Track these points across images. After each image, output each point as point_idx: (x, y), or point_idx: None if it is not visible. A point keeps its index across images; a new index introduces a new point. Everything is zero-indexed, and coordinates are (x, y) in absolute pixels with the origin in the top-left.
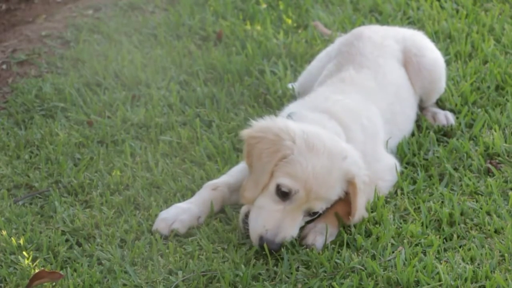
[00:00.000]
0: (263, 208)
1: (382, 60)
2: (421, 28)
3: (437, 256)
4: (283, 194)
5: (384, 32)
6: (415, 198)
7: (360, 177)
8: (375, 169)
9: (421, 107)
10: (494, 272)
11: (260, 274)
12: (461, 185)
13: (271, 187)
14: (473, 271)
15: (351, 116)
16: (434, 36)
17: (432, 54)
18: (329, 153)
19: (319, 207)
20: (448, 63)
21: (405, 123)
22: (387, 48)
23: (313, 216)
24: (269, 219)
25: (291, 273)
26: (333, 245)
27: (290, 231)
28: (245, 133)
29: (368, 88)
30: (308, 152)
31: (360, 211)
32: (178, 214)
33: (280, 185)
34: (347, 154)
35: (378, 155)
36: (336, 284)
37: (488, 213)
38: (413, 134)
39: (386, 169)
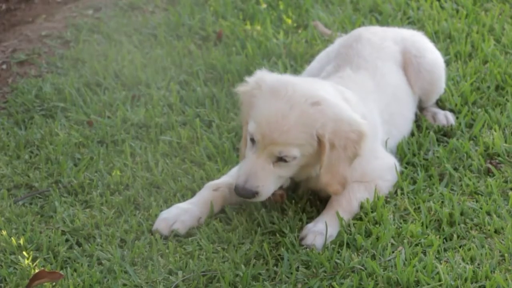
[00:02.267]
0: (244, 157)
1: (380, 62)
2: (421, 28)
3: (437, 256)
4: (252, 141)
5: (383, 34)
6: (415, 198)
7: (333, 128)
8: (375, 167)
9: (421, 107)
10: (494, 272)
11: (260, 274)
12: (461, 185)
13: (248, 136)
14: (473, 271)
15: (353, 97)
16: (434, 36)
17: (432, 55)
18: (291, 97)
19: (278, 151)
20: (448, 63)
21: (403, 124)
22: (386, 50)
23: (287, 162)
24: (241, 167)
25: (291, 273)
26: (333, 245)
27: (261, 178)
28: (238, 89)
29: (366, 87)
30: (268, 97)
31: (329, 173)
32: (179, 214)
33: (248, 131)
34: (320, 101)
35: (377, 153)
36: (336, 284)
37: (488, 213)
38: (413, 134)
39: (386, 168)
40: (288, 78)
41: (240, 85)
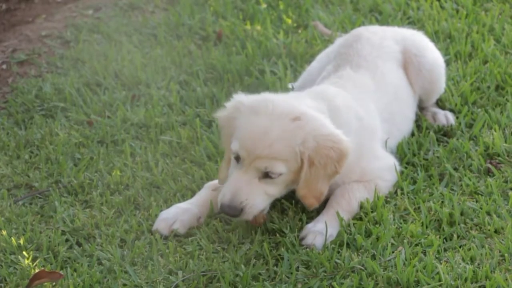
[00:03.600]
0: (229, 176)
1: (380, 61)
2: (421, 28)
3: (437, 256)
4: (236, 159)
5: (383, 33)
6: (415, 198)
7: (313, 145)
8: (374, 167)
9: (421, 107)
10: (494, 272)
11: (260, 274)
12: (461, 185)
13: (232, 156)
14: (473, 271)
15: (344, 101)
16: (434, 36)
17: (432, 54)
18: (271, 113)
19: (264, 166)
20: (448, 63)
21: (404, 123)
22: (386, 49)
23: (273, 178)
24: (226, 186)
25: (291, 273)
26: (333, 245)
27: (248, 194)
28: (217, 115)
29: (365, 86)
30: (249, 115)
31: (306, 188)
32: (179, 214)
33: (232, 151)
34: (301, 116)
35: (377, 152)
36: (336, 284)
37: (488, 213)
38: (413, 134)
39: (385, 168)
40: (266, 96)
41: (218, 111)
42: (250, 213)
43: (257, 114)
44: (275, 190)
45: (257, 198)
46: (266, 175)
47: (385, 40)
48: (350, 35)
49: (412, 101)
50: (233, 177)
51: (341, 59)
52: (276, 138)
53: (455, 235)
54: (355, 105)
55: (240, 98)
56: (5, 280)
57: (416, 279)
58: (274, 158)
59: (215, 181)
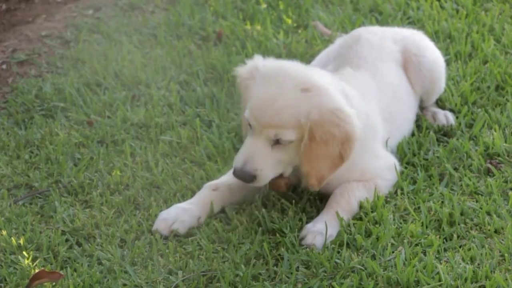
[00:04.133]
0: (244, 143)
1: (380, 62)
2: (421, 28)
3: (437, 256)
4: (250, 126)
5: (383, 34)
6: (415, 198)
7: (316, 118)
8: (374, 166)
9: (421, 107)
10: (494, 272)
11: (260, 274)
12: (461, 185)
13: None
14: (473, 271)
15: (355, 93)
16: (434, 36)
17: (432, 54)
18: (282, 82)
19: (273, 134)
20: (448, 63)
21: (404, 124)
22: (386, 50)
23: (284, 145)
24: (240, 152)
25: (291, 273)
26: (333, 245)
27: (260, 161)
28: (237, 72)
29: (367, 85)
30: (261, 83)
31: (307, 164)
32: (179, 214)
33: (245, 117)
34: (311, 88)
35: (378, 151)
36: (336, 284)
37: (488, 213)
38: (413, 134)
39: (386, 168)
40: (282, 64)
41: (238, 68)
42: (262, 180)
43: (268, 83)
44: (287, 157)
45: (268, 165)
46: (277, 142)
47: (385, 41)
48: (350, 36)
49: (413, 102)
50: (246, 143)
51: (341, 60)
52: (283, 107)
53: (455, 235)
54: (362, 102)
55: (256, 63)
56: (5, 280)
57: (416, 279)
58: (281, 126)
59: (215, 181)
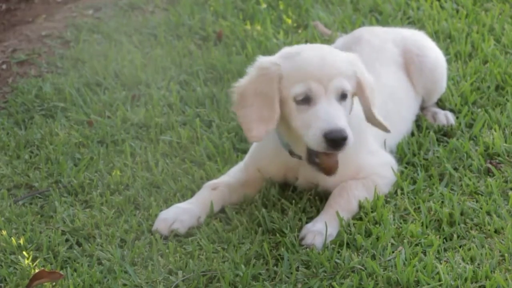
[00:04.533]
0: (304, 121)
1: (378, 64)
2: (421, 28)
3: (437, 256)
4: (306, 101)
5: (384, 36)
6: (415, 198)
7: (363, 72)
8: (369, 163)
9: (422, 107)
10: (494, 272)
11: (260, 274)
12: (461, 185)
13: (291, 107)
14: (473, 271)
15: None
16: (434, 36)
17: (434, 54)
18: (317, 47)
19: (340, 85)
20: (448, 63)
21: (401, 123)
22: (386, 53)
23: (347, 100)
24: (316, 120)
25: (291, 273)
26: (333, 245)
27: (341, 117)
28: (235, 87)
29: None
30: (293, 58)
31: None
32: (178, 214)
33: (295, 97)
34: (351, 56)
35: (371, 147)
36: (336, 284)
37: (488, 213)
38: (413, 134)
39: (382, 164)
40: (295, 47)
41: (236, 84)
42: (350, 141)
43: (303, 53)
44: (347, 115)
45: (347, 124)
46: (342, 98)
47: (386, 44)
48: (351, 37)
49: (413, 102)
50: (319, 108)
51: None
52: (336, 58)
53: (455, 235)
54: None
55: (268, 59)
56: (5, 280)
57: (416, 279)
58: (341, 74)
59: (215, 181)
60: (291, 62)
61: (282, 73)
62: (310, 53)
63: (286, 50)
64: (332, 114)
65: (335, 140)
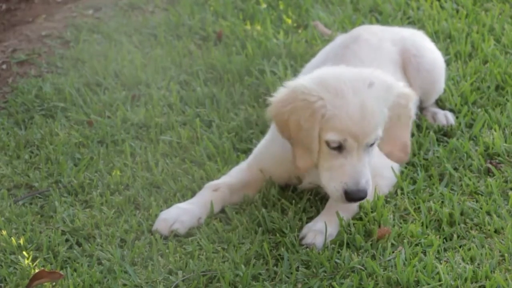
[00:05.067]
0: (330, 168)
1: (376, 63)
2: (421, 28)
3: (437, 256)
4: (337, 148)
5: (382, 35)
6: (415, 198)
7: (390, 102)
8: (372, 164)
9: (421, 107)
10: (494, 272)
11: (260, 274)
12: (461, 185)
13: (323, 147)
14: (473, 271)
15: None
16: (434, 36)
17: (432, 55)
18: (354, 89)
19: (374, 138)
20: (448, 63)
21: None
22: (384, 52)
23: (373, 146)
24: (342, 174)
25: (291, 273)
26: (333, 245)
27: (366, 173)
28: (271, 111)
29: None
30: (338, 100)
31: (391, 142)
32: (179, 214)
33: (328, 142)
34: (373, 80)
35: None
36: (336, 284)
37: (488, 213)
38: (413, 134)
39: (382, 166)
40: (330, 73)
41: (271, 108)
42: (370, 192)
43: (344, 97)
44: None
45: (369, 175)
46: (372, 144)
47: (384, 43)
48: (349, 35)
49: None
50: (346, 165)
51: (338, 59)
52: (373, 109)
53: (455, 235)
54: None
55: (307, 86)
56: (5, 280)
57: (416, 279)
58: (377, 127)
59: (216, 182)
60: (334, 104)
61: (325, 113)
62: (353, 101)
63: (326, 75)
64: (358, 172)
65: (354, 198)
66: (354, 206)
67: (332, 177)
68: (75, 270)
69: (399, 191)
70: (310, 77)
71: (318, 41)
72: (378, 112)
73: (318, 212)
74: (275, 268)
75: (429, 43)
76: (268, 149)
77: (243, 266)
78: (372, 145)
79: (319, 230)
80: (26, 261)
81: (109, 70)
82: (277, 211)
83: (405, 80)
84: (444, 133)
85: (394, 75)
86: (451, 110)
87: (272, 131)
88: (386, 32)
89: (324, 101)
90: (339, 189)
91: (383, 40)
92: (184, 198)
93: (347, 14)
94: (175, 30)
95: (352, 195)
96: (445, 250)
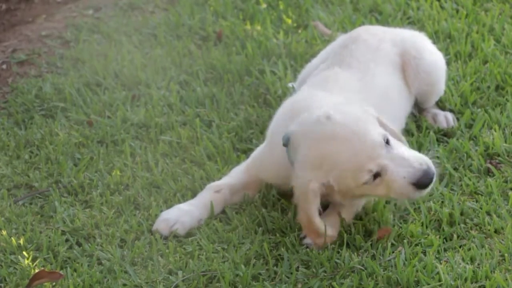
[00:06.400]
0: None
1: (373, 63)
2: (421, 28)
3: (437, 256)
4: (374, 176)
5: (382, 36)
6: None
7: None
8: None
9: (421, 109)
10: (494, 272)
11: (260, 274)
12: (461, 185)
13: (369, 188)
14: (473, 271)
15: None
16: (434, 36)
17: (431, 56)
18: (325, 140)
19: (382, 139)
20: (448, 63)
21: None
22: (382, 52)
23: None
24: (405, 160)
25: (291, 273)
26: (333, 245)
27: (413, 155)
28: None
29: (349, 87)
30: (323, 166)
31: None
32: (180, 216)
33: (364, 183)
34: (326, 114)
35: None
36: (336, 284)
37: (488, 213)
38: (413, 134)
39: None
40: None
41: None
42: (433, 167)
43: (322, 156)
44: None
45: (420, 154)
46: (387, 142)
47: (383, 43)
48: (349, 36)
49: (406, 103)
50: (401, 151)
51: (336, 59)
52: (350, 129)
53: (455, 235)
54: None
55: (307, 179)
56: (5, 280)
57: (416, 279)
58: (368, 131)
59: (217, 183)
60: (331, 169)
61: (331, 182)
62: (335, 149)
63: (303, 157)
64: (407, 160)
65: (424, 184)
66: (357, 206)
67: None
68: (75, 270)
69: None
70: (297, 163)
71: (318, 41)
72: (357, 125)
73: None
74: (275, 268)
75: (430, 45)
76: (265, 158)
77: (243, 266)
78: (388, 141)
79: None
80: (26, 261)
81: (109, 70)
82: (277, 211)
83: (404, 81)
84: (444, 133)
85: (392, 76)
86: (451, 110)
87: (270, 140)
88: (387, 33)
89: (323, 176)
90: (407, 186)
91: (382, 41)
92: (184, 198)
93: (347, 14)
94: (175, 30)
95: (420, 182)
96: (445, 250)
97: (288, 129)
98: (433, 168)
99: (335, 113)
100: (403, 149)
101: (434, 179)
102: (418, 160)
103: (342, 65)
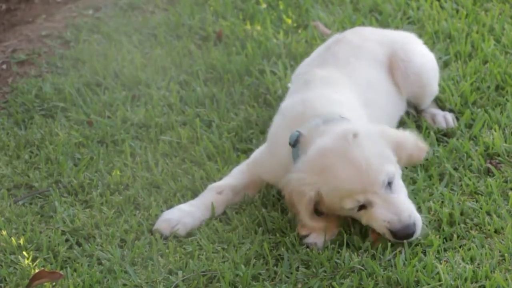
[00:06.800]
0: (368, 220)
1: (354, 59)
2: (421, 28)
3: (437, 256)
4: (362, 207)
5: (368, 35)
6: (415, 198)
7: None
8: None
9: (420, 109)
10: (494, 272)
11: (260, 274)
12: (461, 185)
13: (353, 213)
14: (473, 271)
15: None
16: (434, 36)
17: (421, 59)
18: (337, 152)
19: (387, 179)
20: (448, 63)
21: (381, 111)
22: (364, 50)
23: (394, 183)
24: (386, 218)
25: (291, 273)
26: (333, 245)
27: (404, 207)
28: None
29: (333, 79)
30: (328, 176)
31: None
32: (182, 217)
33: (349, 209)
34: (354, 131)
35: None
36: (336, 284)
37: (488, 213)
38: None
39: None
40: (313, 154)
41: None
42: (420, 225)
43: (327, 170)
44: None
45: (413, 209)
46: (389, 185)
47: (367, 42)
48: (334, 37)
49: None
50: (395, 199)
51: (318, 61)
52: (366, 157)
53: (455, 235)
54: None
55: (302, 181)
56: (5, 280)
57: (416, 279)
58: (380, 170)
59: (219, 183)
60: (327, 181)
61: (321, 192)
62: (341, 167)
63: (311, 155)
64: (396, 209)
65: (402, 236)
66: None
67: (374, 219)
68: (75, 270)
69: None
70: (302, 161)
71: (318, 41)
72: (374, 156)
73: None
74: (275, 268)
75: (420, 46)
76: (266, 159)
77: (243, 266)
78: (390, 183)
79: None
80: (26, 261)
81: (109, 70)
82: (277, 211)
83: (392, 82)
84: (444, 133)
85: (377, 74)
86: (451, 110)
87: (270, 140)
88: (375, 34)
89: (312, 184)
90: (384, 229)
91: (367, 40)
92: (184, 198)
93: (347, 14)
94: (175, 30)
95: (399, 233)
96: (445, 250)
97: (295, 131)
98: (419, 226)
99: (363, 134)
100: (401, 197)
101: (415, 236)
102: (408, 212)
103: (321, 67)
